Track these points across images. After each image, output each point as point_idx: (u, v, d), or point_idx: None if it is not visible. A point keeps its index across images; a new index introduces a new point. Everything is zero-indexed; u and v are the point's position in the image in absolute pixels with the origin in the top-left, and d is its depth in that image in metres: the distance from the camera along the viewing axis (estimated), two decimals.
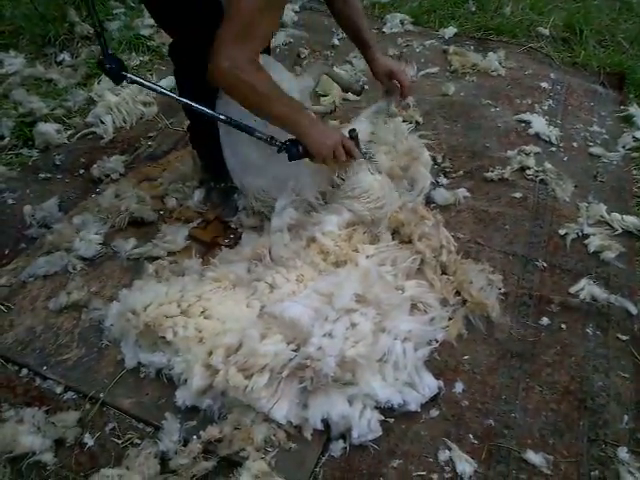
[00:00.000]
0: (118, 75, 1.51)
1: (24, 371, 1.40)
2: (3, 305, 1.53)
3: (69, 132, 2.20)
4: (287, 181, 1.67)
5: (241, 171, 1.73)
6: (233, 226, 1.77)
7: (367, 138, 1.80)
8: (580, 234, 1.80)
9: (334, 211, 1.62)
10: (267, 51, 1.74)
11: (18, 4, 2.96)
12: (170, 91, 1.62)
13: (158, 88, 1.57)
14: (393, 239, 1.67)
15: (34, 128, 2.15)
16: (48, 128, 2.15)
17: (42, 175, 1.99)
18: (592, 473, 1.25)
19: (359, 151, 1.59)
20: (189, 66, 1.53)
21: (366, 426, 1.25)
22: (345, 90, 2.05)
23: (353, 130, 1.60)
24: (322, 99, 2.36)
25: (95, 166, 1.98)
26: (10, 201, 1.88)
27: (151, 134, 2.21)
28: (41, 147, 2.12)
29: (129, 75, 1.51)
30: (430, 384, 1.35)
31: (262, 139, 1.54)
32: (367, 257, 1.54)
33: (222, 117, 1.53)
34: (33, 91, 2.39)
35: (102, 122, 2.20)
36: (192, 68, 1.46)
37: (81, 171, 2.02)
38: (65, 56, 2.66)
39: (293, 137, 1.51)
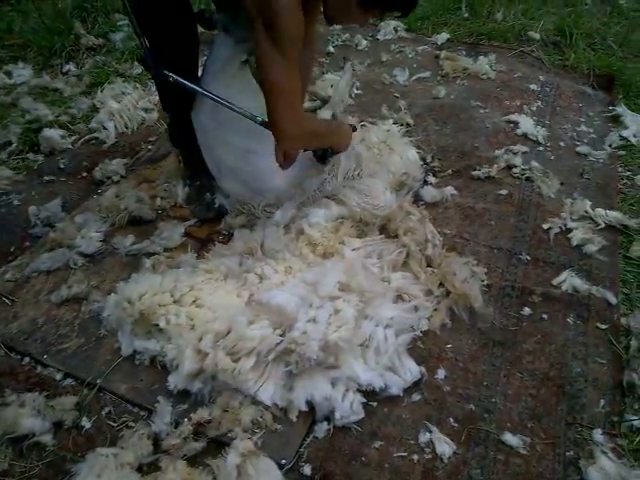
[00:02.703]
0: (160, 72, 1.58)
1: (26, 359, 1.46)
2: (8, 298, 1.61)
3: (73, 137, 2.29)
4: (260, 183, 1.79)
5: (217, 173, 1.82)
6: (224, 231, 1.82)
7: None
8: (563, 228, 1.85)
9: (322, 205, 1.69)
10: None
11: (26, 18, 3.10)
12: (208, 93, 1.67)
13: (199, 89, 1.62)
14: (380, 234, 1.73)
15: (40, 134, 2.24)
16: (53, 134, 2.24)
17: (47, 178, 2.08)
18: (567, 453, 1.29)
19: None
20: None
21: (349, 408, 1.30)
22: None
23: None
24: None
25: (97, 169, 2.06)
26: (16, 202, 1.96)
27: (151, 139, 2.29)
28: (46, 152, 2.21)
29: (171, 74, 1.59)
30: (412, 369, 1.40)
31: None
32: (353, 250, 1.60)
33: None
34: (40, 99, 2.49)
35: (105, 128, 2.29)
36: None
37: (84, 174, 2.10)
38: (70, 66, 2.78)
39: None
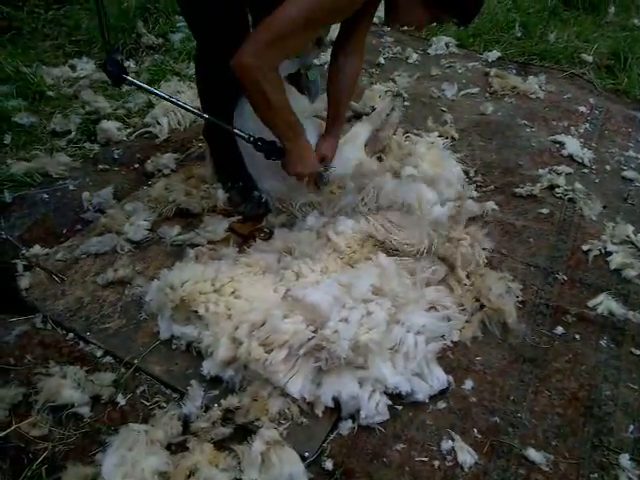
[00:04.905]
0: (119, 77, 1.64)
1: (70, 335, 1.54)
2: (57, 277, 1.70)
3: (128, 130, 2.40)
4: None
5: (258, 175, 1.89)
6: (265, 228, 1.87)
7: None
8: (603, 251, 1.84)
9: (352, 217, 1.73)
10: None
11: (93, 16, 3.25)
12: (168, 96, 1.75)
13: (156, 91, 1.71)
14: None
15: (97, 125, 2.35)
16: (110, 126, 2.35)
17: (101, 166, 2.18)
18: (591, 475, 1.28)
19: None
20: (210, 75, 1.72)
21: (374, 408, 1.32)
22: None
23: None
24: None
25: (149, 161, 2.15)
26: (71, 187, 2.07)
27: (202, 137, 2.37)
28: (102, 142, 2.32)
29: (128, 78, 1.64)
30: (440, 377, 1.42)
31: (240, 136, 1.70)
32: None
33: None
34: (99, 93, 2.61)
35: (158, 123, 2.39)
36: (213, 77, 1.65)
37: (136, 165, 2.20)
38: (130, 63, 2.91)
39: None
